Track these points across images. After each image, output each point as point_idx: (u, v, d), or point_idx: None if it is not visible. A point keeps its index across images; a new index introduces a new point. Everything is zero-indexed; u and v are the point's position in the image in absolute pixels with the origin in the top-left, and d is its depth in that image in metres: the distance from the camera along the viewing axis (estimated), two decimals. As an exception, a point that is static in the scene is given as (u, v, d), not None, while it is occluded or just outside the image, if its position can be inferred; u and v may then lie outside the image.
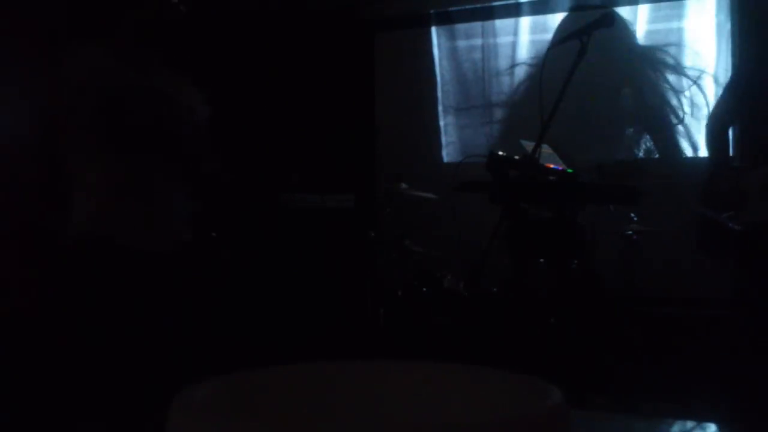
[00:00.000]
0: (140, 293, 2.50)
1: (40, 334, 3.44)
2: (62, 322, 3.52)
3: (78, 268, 2.48)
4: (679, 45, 4.56)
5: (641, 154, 4.56)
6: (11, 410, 3.03)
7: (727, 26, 4.43)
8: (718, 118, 2.90)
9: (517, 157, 3.38)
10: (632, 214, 3.98)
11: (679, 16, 4.59)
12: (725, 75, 4.39)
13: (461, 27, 5.07)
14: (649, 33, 4.63)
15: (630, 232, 3.93)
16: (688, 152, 4.53)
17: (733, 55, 4.40)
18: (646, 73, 4.57)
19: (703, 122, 4.53)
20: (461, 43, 5.07)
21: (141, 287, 2.49)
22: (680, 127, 4.51)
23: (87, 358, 3.45)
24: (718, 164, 2.84)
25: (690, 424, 1.82)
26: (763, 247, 2.54)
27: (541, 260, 3.48)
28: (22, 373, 3.26)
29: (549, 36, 4.71)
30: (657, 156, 4.56)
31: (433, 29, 5.15)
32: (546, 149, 3.33)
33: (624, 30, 4.56)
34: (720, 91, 4.36)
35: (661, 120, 4.55)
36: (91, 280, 2.46)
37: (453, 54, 5.09)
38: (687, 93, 4.51)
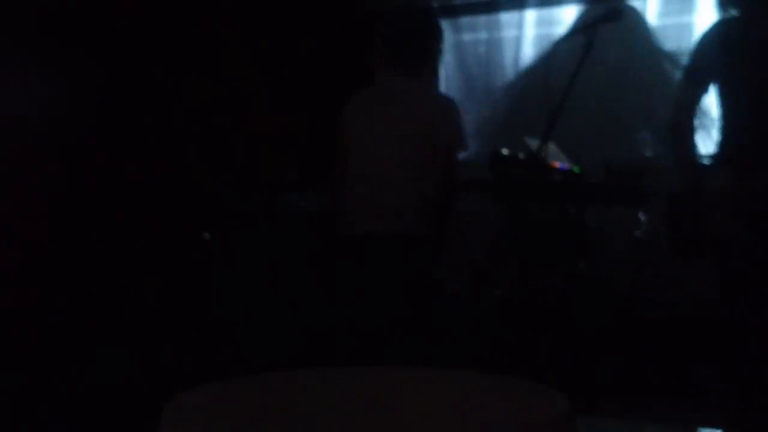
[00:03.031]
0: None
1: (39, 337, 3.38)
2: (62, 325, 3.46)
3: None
4: (689, 41, 4.47)
5: (651, 154, 4.49)
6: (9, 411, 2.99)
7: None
8: (678, 110, 2.77)
9: (521, 156, 3.31)
10: (640, 215, 3.92)
11: (690, 11, 4.50)
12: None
13: (465, 20, 5.00)
14: (658, 28, 4.54)
15: (638, 234, 3.87)
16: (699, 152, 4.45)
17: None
18: (658, 70, 4.49)
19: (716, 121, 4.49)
20: (465, 37, 5.00)
21: None
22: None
23: (81, 362, 3.40)
24: (681, 164, 2.73)
25: (700, 430, 1.75)
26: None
27: (547, 262, 3.43)
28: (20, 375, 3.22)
29: (556, 30, 4.63)
30: (667, 156, 4.48)
31: (436, 22, 5.06)
32: (552, 147, 3.27)
33: (638, 25, 4.48)
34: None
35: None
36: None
37: (457, 48, 5.02)
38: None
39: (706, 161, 2.73)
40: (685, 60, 4.44)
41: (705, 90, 2.67)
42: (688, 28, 4.49)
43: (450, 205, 3.06)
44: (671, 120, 2.76)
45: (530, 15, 4.82)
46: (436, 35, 3.17)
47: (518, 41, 4.84)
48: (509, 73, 4.86)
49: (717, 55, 2.57)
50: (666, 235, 2.70)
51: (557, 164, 3.30)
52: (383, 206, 2.92)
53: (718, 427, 2.54)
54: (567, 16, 4.68)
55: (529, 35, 4.82)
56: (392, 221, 2.90)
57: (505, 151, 3.36)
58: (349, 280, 3.02)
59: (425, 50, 3.11)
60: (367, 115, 3.07)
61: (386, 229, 2.90)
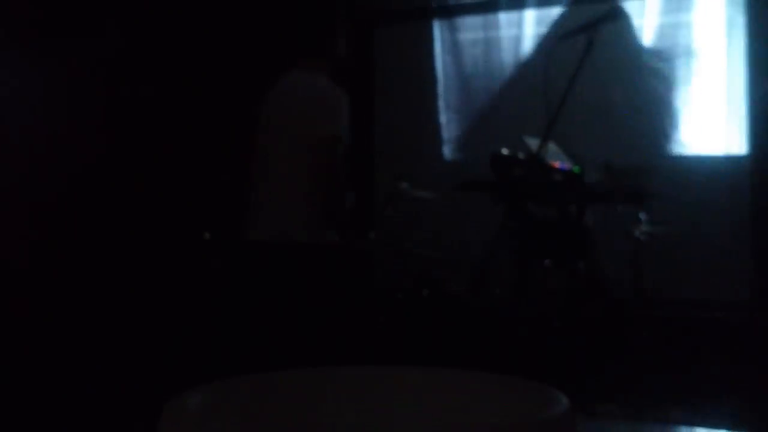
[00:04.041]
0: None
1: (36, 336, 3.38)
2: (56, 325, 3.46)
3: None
4: (688, 40, 4.47)
5: (650, 153, 4.48)
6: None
7: (739, 20, 4.33)
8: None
9: (521, 156, 3.30)
10: (640, 215, 3.90)
11: (688, 10, 4.49)
12: (737, 71, 4.29)
13: (463, 20, 4.99)
14: (657, 26, 4.54)
15: (637, 233, 3.85)
16: (699, 151, 4.44)
17: (747, 51, 4.29)
18: (655, 69, 4.48)
19: (715, 119, 4.48)
20: (463, 37, 4.99)
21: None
22: (691, 126, 4.42)
23: (81, 363, 3.40)
24: None
25: (700, 431, 1.75)
26: None
27: (547, 262, 3.42)
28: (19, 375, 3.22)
29: (555, 29, 4.62)
30: (665, 155, 4.47)
31: (435, 23, 5.06)
32: (552, 147, 3.25)
33: (635, 25, 4.48)
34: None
35: (671, 118, 4.47)
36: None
37: (455, 48, 5.01)
38: (697, 90, 4.41)
39: None
40: (682, 59, 4.45)
41: None
42: (686, 27, 4.48)
43: (342, 206, 2.83)
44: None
45: (529, 14, 4.81)
46: (325, 23, 2.99)
47: (517, 40, 4.83)
48: (508, 72, 4.85)
49: None
50: (750, 241, 2.59)
51: (557, 164, 3.29)
52: (277, 212, 2.81)
53: (718, 428, 2.54)
54: (565, 16, 4.68)
55: (528, 34, 4.81)
56: (288, 228, 2.79)
57: (505, 151, 3.35)
58: (256, 286, 2.94)
59: (314, 42, 2.94)
60: (265, 116, 2.94)
61: (283, 237, 2.78)
